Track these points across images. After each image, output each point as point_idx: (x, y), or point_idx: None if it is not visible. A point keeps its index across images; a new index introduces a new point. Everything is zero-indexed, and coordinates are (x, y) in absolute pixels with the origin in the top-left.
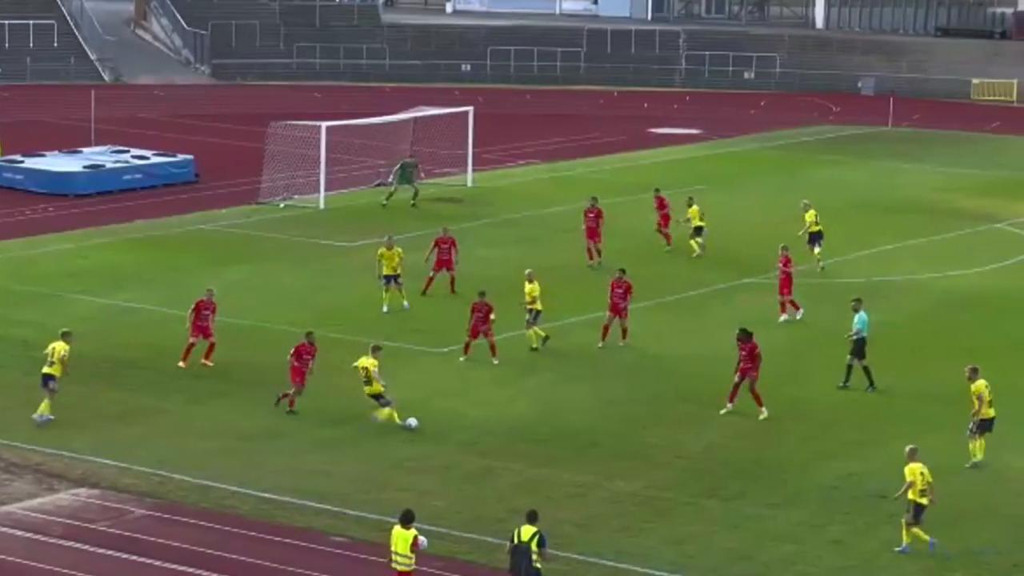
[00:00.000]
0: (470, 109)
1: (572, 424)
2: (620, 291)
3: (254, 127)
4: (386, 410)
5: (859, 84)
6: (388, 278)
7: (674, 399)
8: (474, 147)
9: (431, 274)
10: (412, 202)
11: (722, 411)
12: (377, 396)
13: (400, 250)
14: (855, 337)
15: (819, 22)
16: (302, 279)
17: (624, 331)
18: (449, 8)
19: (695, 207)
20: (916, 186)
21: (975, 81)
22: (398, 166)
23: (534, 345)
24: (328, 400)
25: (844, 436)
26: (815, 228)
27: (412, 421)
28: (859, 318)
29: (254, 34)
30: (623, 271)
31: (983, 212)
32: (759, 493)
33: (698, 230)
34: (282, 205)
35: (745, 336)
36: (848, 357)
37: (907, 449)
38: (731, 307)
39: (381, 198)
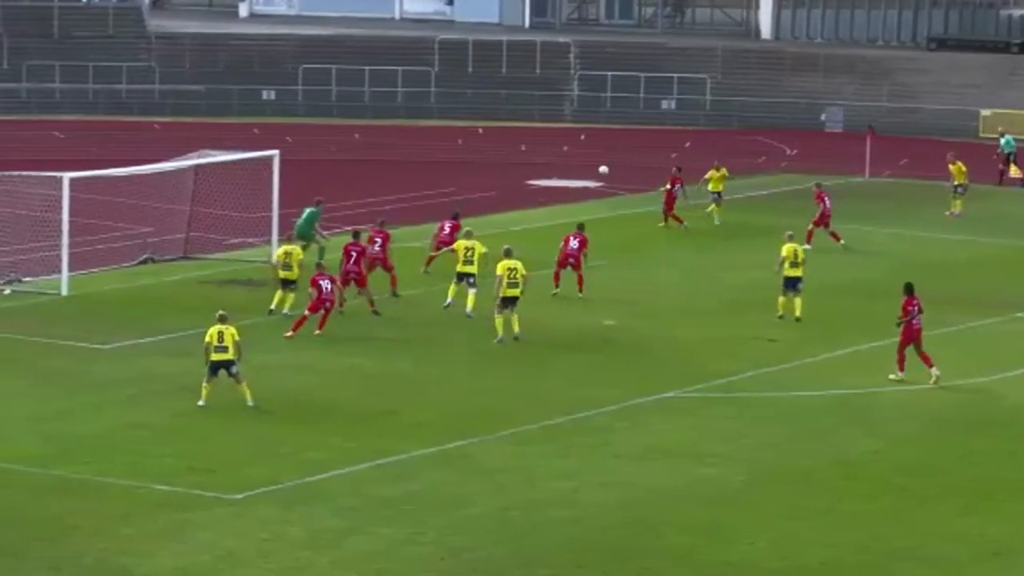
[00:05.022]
0: (275, 154)
1: None
2: None
3: None
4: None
5: (822, 117)
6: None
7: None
8: (280, 208)
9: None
10: (319, 261)
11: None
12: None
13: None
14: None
15: (765, 30)
16: (37, 396)
17: None
18: (244, 11)
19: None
20: (903, 259)
21: (985, 112)
22: (303, 216)
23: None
24: None
25: None
26: (791, 272)
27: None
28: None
29: None
30: None
31: (1008, 298)
32: None
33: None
34: (7, 291)
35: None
36: None
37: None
38: (644, 433)
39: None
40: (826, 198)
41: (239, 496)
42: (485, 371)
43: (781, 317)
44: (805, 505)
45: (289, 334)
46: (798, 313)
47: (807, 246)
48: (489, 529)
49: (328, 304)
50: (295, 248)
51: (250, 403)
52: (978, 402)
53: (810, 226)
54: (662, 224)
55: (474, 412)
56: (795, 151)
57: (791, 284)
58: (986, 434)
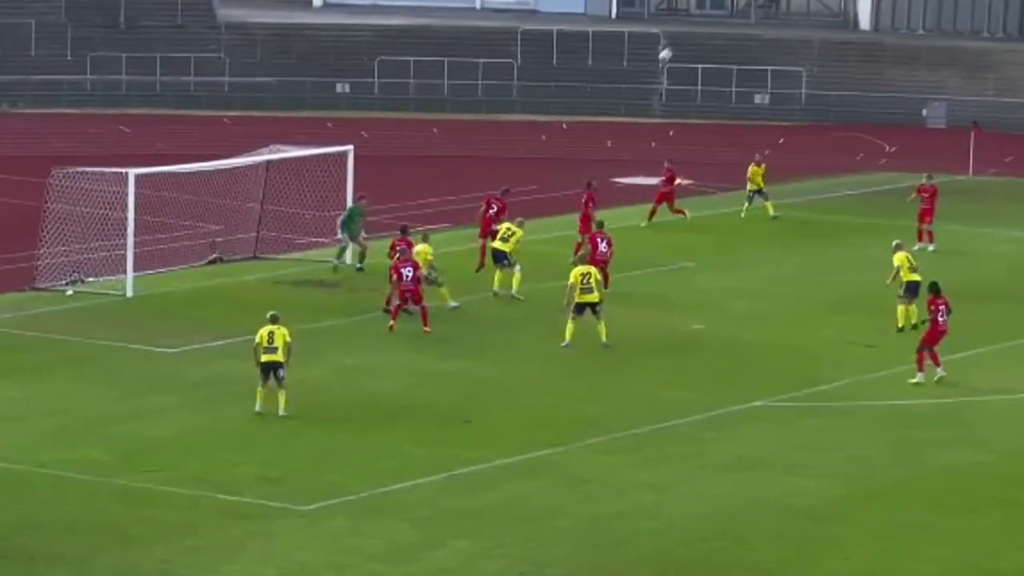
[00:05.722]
0: (349, 149)
1: None
2: None
3: (26, 175)
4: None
5: (924, 112)
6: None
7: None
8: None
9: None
10: (359, 265)
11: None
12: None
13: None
14: None
15: (864, 20)
16: (101, 401)
17: None
18: (318, 0)
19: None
20: (1008, 260)
21: None
22: (345, 213)
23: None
24: None
25: None
26: (911, 276)
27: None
28: None
29: (27, 38)
30: None
31: None
32: None
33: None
34: (70, 292)
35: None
36: None
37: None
38: (733, 443)
39: (331, 261)
40: (932, 194)
41: (310, 507)
42: (569, 376)
43: (913, 326)
44: (903, 519)
45: (391, 323)
46: (915, 320)
47: (925, 246)
48: (573, 541)
49: (409, 293)
50: (423, 247)
51: (282, 412)
52: None
53: (920, 225)
54: (645, 224)
55: (558, 419)
56: (894, 148)
57: (913, 289)
58: None
